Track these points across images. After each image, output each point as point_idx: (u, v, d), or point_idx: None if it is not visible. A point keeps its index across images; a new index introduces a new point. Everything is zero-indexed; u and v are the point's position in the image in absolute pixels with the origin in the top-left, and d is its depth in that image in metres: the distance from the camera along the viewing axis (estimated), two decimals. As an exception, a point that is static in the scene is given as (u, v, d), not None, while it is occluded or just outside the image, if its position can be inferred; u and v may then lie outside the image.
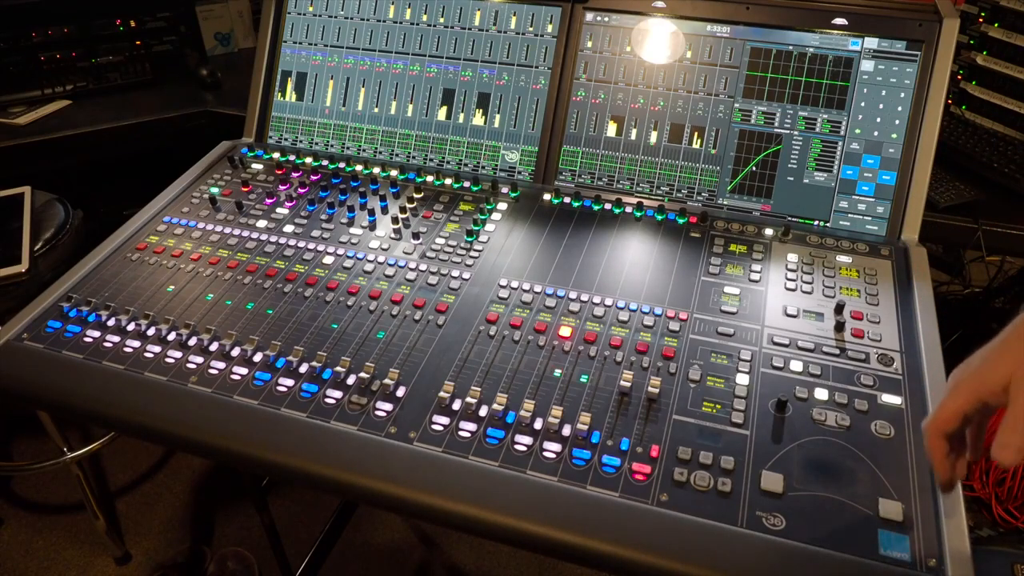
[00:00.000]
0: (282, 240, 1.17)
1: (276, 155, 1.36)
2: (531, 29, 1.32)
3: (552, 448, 0.83)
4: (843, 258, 1.10)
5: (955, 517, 0.75)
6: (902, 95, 1.17)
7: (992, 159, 1.44)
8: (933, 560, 0.71)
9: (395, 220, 1.19)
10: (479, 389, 0.89)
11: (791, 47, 1.21)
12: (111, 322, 1.01)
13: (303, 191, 1.29)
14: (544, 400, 0.89)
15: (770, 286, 1.05)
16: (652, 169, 1.26)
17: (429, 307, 1.03)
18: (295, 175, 1.33)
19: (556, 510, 0.77)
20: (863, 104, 1.18)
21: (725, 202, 1.23)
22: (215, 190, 1.28)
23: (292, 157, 1.37)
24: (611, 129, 1.28)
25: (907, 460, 0.80)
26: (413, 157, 1.38)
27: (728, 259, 1.10)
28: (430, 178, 1.30)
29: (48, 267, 1.49)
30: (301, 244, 1.16)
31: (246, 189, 1.29)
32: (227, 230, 1.19)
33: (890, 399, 0.87)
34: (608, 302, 1.02)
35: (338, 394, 0.90)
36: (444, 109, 1.36)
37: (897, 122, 1.17)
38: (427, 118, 1.37)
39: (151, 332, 0.99)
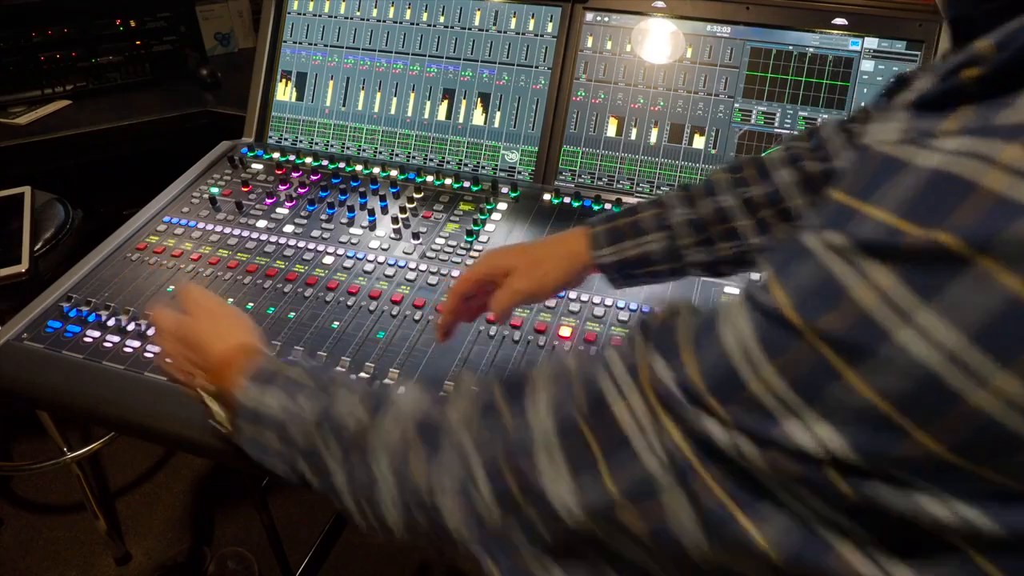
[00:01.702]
0: (282, 240, 1.17)
1: (276, 155, 1.36)
2: (531, 29, 1.32)
3: (552, 448, 0.83)
4: (843, 258, 1.10)
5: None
6: (902, 95, 1.17)
7: (992, 159, 1.44)
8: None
9: (395, 220, 1.19)
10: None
11: (791, 47, 1.21)
12: (111, 322, 1.01)
13: (303, 191, 1.29)
14: (544, 400, 0.89)
15: (770, 286, 1.05)
16: (652, 169, 1.26)
17: (429, 307, 1.03)
18: (295, 175, 1.33)
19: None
20: (863, 104, 1.18)
21: (725, 202, 1.23)
22: (215, 190, 1.28)
23: (292, 157, 1.37)
24: (611, 129, 1.28)
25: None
26: (413, 157, 1.38)
27: (728, 259, 1.10)
28: (430, 178, 1.30)
29: (48, 267, 1.49)
30: (301, 244, 1.16)
31: (246, 189, 1.29)
32: (227, 230, 1.19)
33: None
34: (608, 302, 1.02)
35: (338, 394, 0.90)
36: (444, 109, 1.36)
37: (897, 122, 1.17)
38: (427, 118, 1.37)
39: (151, 332, 0.99)
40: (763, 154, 0.80)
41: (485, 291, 0.84)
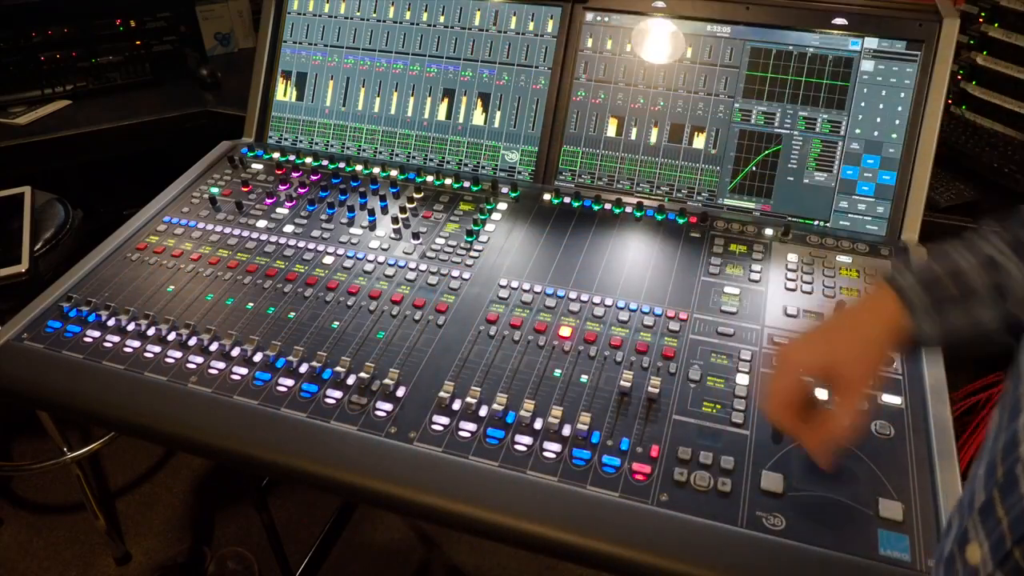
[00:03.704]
0: (282, 240, 1.17)
1: (276, 155, 1.36)
2: (531, 29, 1.32)
3: (552, 448, 0.83)
4: (843, 258, 1.10)
5: (955, 517, 0.75)
6: (902, 95, 1.17)
7: (992, 159, 1.44)
8: (933, 560, 0.71)
9: (395, 220, 1.19)
10: (479, 389, 0.89)
11: (791, 47, 1.21)
12: (111, 322, 1.01)
13: (303, 191, 1.29)
14: (544, 400, 0.89)
15: (770, 286, 1.05)
16: (652, 169, 1.26)
17: (429, 307, 1.03)
18: (295, 175, 1.33)
19: (556, 510, 0.77)
20: (863, 104, 1.18)
21: (725, 202, 1.23)
22: (215, 190, 1.28)
23: (292, 157, 1.37)
24: (611, 129, 1.28)
25: (907, 460, 0.80)
26: (413, 157, 1.38)
27: (728, 259, 1.10)
28: (430, 178, 1.30)
29: (48, 267, 1.49)
30: (301, 244, 1.16)
31: (246, 189, 1.29)
32: (227, 230, 1.19)
33: (890, 399, 0.87)
34: (608, 302, 1.02)
35: (338, 394, 0.90)
36: (444, 109, 1.36)
37: (897, 122, 1.17)
38: (427, 118, 1.37)
39: (151, 332, 0.99)
40: None
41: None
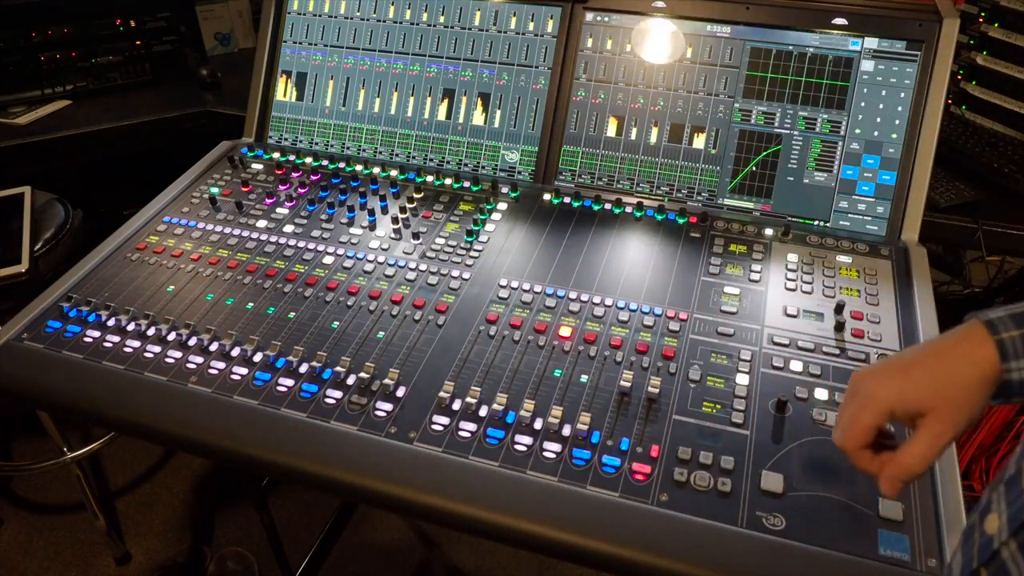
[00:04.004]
0: (282, 240, 1.17)
1: (276, 155, 1.36)
2: (531, 29, 1.32)
3: (552, 448, 0.83)
4: (843, 258, 1.10)
5: (955, 517, 0.75)
6: (902, 95, 1.17)
7: (992, 159, 1.44)
8: (933, 560, 0.71)
9: (395, 220, 1.19)
10: (479, 389, 0.89)
11: (791, 47, 1.21)
12: (111, 322, 1.01)
13: (303, 191, 1.29)
14: (544, 400, 0.89)
15: (770, 286, 1.05)
16: (652, 169, 1.26)
17: (429, 307, 1.03)
18: (295, 175, 1.33)
19: (556, 510, 0.77)
20: (863, 104, 1.18)
21: (725, 202, 1.23)
22: (215, 190, 1.28)
23: (292, 157, 1.37)
24: (611, 129, 1.28)
25: (907, 460, 0.80)
26: (413, 157, 1.38)
27: (728, 259, 1.10)
28: (430, 178, 1.30)
29: (48, 267, 1.49)
30: (301, 244, 1.16)
31: (246, 189, 1.29)
32: (227, 230, 1.19)
33: (890, 399, 0.87)
34: (608, 302, 1.02)
35: (338, 394, 0.90)
36: (444, 109, 1.36)
37: (897, 122, 1.17)
38: (427, 118, 1.37)
39: (151, 332, 0.99)
40: None
41: None
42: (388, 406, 0.88)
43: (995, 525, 0.49)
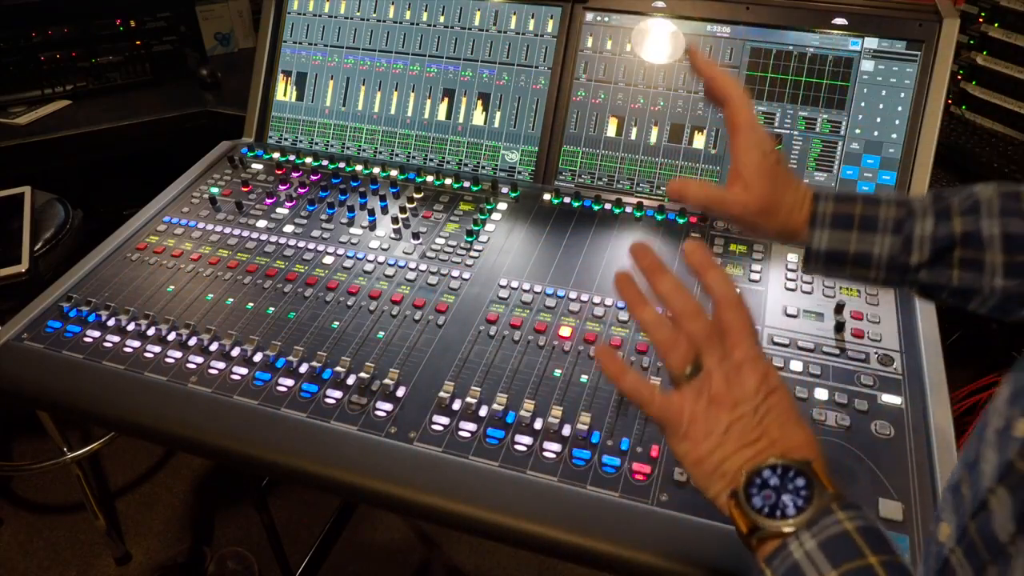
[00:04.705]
0: (282, 240, 1.17)
1: (276, 155, 1.36)
2: (531, 29, 1.32)
3: (552, 448, 0.83)
4: (843, 258, 1.10)
5: (955, 517, 0.74)
6: (902, 95, 1.17)
7: (992, 159, 1.44)
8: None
9: (395, 220, 1.19)
10: (479, 389, 0.89)
11: (791, 47, 1.21)
12: (111, 322, 1.01)
13: (303, 191, 1.29)
14: (544, 400, 0.89)
15: (770, 286, 1.05)
16: (652, 169, 1.26)
17: (429, 307, 1.03)
18: (295, 175, 1.33)
19: (556, 510, 0.77)
20: (863, 104, 1.18)
21: (725, 202, 1.23)
22: (215, 190, 1.28)
23: (292, 157, 1.37)
24: (611, 129, 1.28)
25: (907, 460, 0.80)
26: (413, 157, 1.38)
27: (728, 259, 1.10)
28: (430, 178, 1.30)
29: (48, 267, 1.49)
30: (301, 244, 1.16)
31: (246, 189, 1.29)
32: (227, 230, 1.19)
33: (890, 399, 0.87)
34: (608, 302, 1.02)
35: (338, 394, 0.90)
36: (444, 109, 1.36)
37: (897, 122, 1.17)
38: (427, 118, 1.37)
39: (151, 332, 0.99)
40: None
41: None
42: (388, 406, 0.88)
43: (946, 533, 0.50)
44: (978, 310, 0.69)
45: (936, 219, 0.67)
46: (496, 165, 1.33)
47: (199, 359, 0.96)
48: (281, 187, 1.30)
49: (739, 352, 0.58)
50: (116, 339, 0.99)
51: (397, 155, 1.39)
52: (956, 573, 0.47)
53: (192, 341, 0.98)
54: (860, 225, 0.68)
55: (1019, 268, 0.64)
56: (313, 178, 1.32)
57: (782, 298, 1.03)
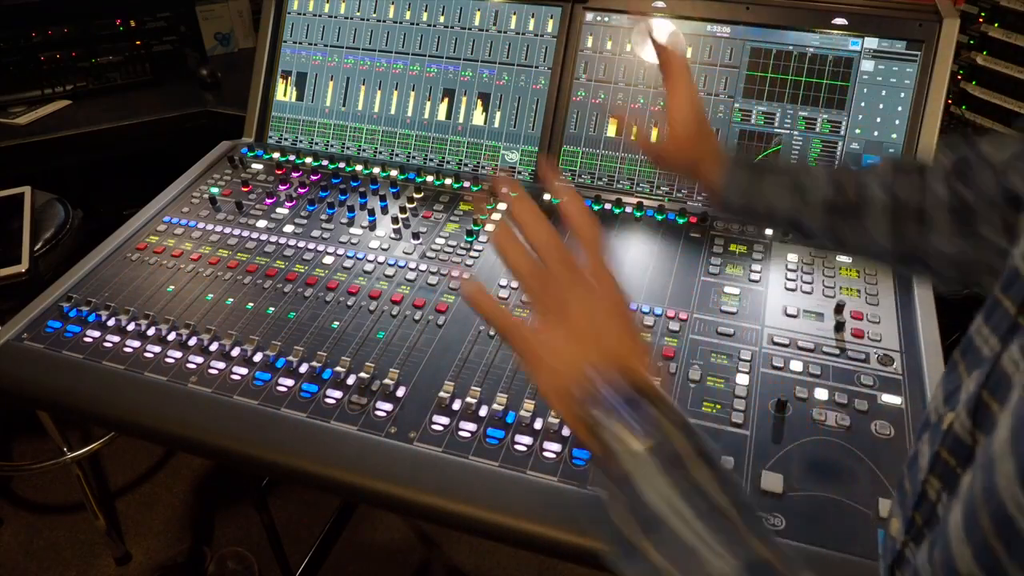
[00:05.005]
0: (282, 240, 1.17)
1: (276, 155, 1.36)
2: (531, 29, 1.32)
3: (552, 448, 0.83)
4: (843, 258, 1.10)
5: (955, 517, 0.75)
6: (902, 95, 1.17)
7: (992, 159, 1.44)
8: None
9: (395, 220, 1.19)
10: (479, 389, 0.89)
11: (791, 47, 1.21)
12: (111, 322, 1.01)
13: (303, 191, 1.29)
14: (544, 400, 0.89)
15: (770, 286, 1.05)
16: (652, 169, 1.26)
17: (429, 307, 1.03)
18: (295, 175, 1.33)
19: (556, 510, 0.77)
20: (863, 104, 1.18)
21: (725, 202, 1.23)
22: (215, 190, 1.28)
23: (292, 157, 1.37)
24: (611, 129, 1.28)
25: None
26: (413, 157, 1.38)
27: (728, 259, 1.10)
28: (430, 178, 1.30)
29: (48, 267, 1.49)
30: (301, 244, 1.16)
31: (246, 189, 1.29)
32: (227, 230, 1.19)
33: (890, 399, 0.87)
34: (608, 302, 1.02)
35: (338, 394, 0.90)
36: (444, 109, 1.36)
37: (897, 122, 1.17)
38: (427, 118, 1.37)
39: (151, 332, 0.99)
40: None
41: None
42: (388, 406, 0.88)
43: (895, 527, 0.53)
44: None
45: (832, 188, 0.79)
46: (496, 165, 1.33)
47: (199, 359, 0.96)
48: (281, 187, 1.30)
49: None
50: (116, 339, 0.99)
51: (397, 155, 1.39)
52: (909, 563, 0.49)
53: (192, 341, 0.98)
54: (761, 165, 0.85)
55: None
56: (313, 178, 1.32)
57: (782, 298, 1.03)
